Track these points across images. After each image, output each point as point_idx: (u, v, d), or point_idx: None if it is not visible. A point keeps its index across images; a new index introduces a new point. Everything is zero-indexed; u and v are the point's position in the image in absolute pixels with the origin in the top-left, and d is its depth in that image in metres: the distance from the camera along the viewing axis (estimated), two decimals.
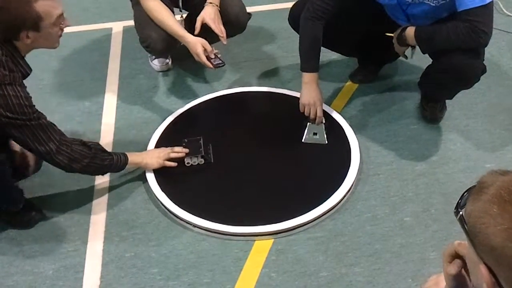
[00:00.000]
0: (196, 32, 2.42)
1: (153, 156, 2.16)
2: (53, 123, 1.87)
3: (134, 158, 2.10)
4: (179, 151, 2.20)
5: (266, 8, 3.29)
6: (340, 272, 1.84)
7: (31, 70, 1.84)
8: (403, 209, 2.05)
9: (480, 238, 0.80)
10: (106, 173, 2.09)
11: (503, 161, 2.21)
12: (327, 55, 2.69)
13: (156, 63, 2.80)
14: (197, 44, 2.30)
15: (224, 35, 2.40)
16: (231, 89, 2.64)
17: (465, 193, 0.88)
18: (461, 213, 0.86)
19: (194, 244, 1.95)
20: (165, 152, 2.18)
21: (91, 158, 1.92)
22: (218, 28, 2.40)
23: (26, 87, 1.79)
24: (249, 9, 2.65)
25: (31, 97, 1.78)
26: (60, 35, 1.86)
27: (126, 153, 2.08)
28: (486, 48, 2.09)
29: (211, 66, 2.32)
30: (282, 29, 2.99)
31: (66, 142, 1.87)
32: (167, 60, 2.81)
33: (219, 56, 2.35)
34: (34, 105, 1.79)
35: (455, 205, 0.88)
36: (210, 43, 2.36)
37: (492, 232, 0.77)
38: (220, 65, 2.34)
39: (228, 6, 2.52)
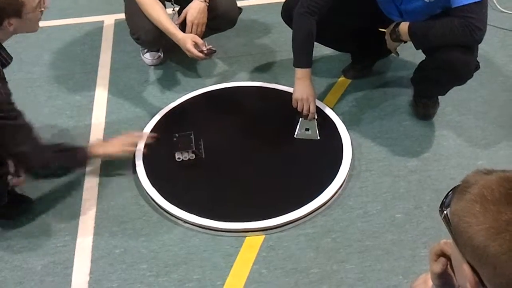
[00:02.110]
0: (177, 22, 2.44)
1: (116, 144, 2.13)
2: (32, 125, 1.83)
3: (95, 150, 2.09)
4: (140, 135, 2.19)
5: (259, 2, 3.27)
6: (331, 268, 1.83)
7: (11, 58, 1.79)
8: (394, 205, 2.04)
9: (463, 238, 0.79)
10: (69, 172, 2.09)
11: (495, 158, 2.21)
12: (320, 50, 2.68)
13: (147, 57, 2.77)
14: (186, 40, 2.30)
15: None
16: (223, 84, 2.62)
17: (450, 192, 0.87)
18: (445, 212, 0.86)
19: (185, 240, 1.94)
20: (129, 138, 2.16)
21: (56, 158, 1.91)
22: (190, 31, 2.42)
23: (7, 82, 1.75)
24: (241, 3, 2.64)
25: (11, 93, 1.75)
26: (40, 18, 1.81)
27: (89, 145, 2.06)
28: (479, 44, 2.08)
29: (204, 56, 2.31)
30: (275, 23, 2.97)
31: (40, 145, 1.85)
32: (159, 54, 2.78)
33: (212, 47, 2.34)
34: (13, 103, 1.75)
35: (439, 204, 0.88)
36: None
37: (474, 231, 0.77)
38: (213, 49, 2.34)
39: (218, 0, 2.50)
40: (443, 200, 0.88)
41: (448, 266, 0.96)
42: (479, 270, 0.78)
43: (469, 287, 0.80)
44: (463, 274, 0.81)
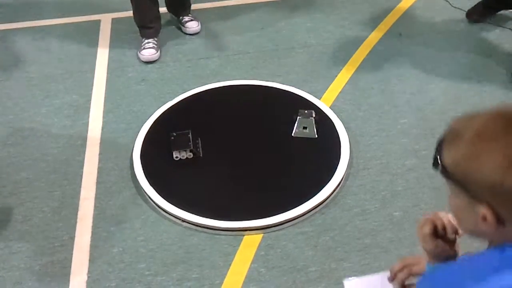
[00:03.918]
0: None
1: None
2: None
3: None
4: None
5: (256, 1, 3.26)
6: (330, 267, 1.83)
7: None
8: (392, 203, 2.04)
9: (476, 181, 0.79)
10: None
11: None
12: (316, 48, 2.67)
13: (144, 53, 2.76)
14: None
15: None
16: (220, 83, 2.62)
17: (438, 147, 0.87)
18: (444, 166, 0.85)
19: (183, 239, 1.94)
20: None
21: None
22: None
23: None
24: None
25: None
26: None
27: None
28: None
29: None
30: (273, 21, 2.97)
31: None
32: (157, 52, 2.78)
33: None
34: None
35: (432, 161, 0.87)
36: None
37: (487, 171, 0.77)
38: None
39: None
40: (435, 155, 0.87)
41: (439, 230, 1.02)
42: (499, 208, 0.78)
43: (488, 228, 0.80)
44: (474, 219, 0.81)
